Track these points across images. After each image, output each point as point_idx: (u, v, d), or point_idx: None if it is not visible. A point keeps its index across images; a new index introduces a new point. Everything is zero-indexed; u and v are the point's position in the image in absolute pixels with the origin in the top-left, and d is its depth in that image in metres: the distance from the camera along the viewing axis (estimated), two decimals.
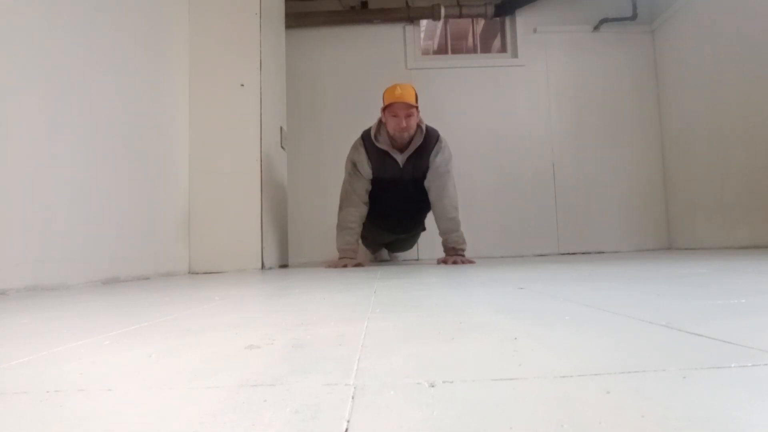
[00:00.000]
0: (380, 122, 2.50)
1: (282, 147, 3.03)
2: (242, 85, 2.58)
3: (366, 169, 2.50)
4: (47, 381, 0.39)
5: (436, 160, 2.48)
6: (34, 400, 0.34)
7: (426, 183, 2.52)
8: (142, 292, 1.31)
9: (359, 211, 2.52)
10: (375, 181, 2.53)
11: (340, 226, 2.53)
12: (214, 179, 2.54)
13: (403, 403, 0.31)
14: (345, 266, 2.40)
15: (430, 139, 2.49)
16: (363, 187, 2.52)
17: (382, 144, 2.47)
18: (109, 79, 1.87)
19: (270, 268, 2.59)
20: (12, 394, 0.36)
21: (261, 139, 2.58)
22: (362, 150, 2.51)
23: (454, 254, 2.48)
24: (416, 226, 2.89)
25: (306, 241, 3.72)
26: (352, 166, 2.54)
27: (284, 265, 2.99)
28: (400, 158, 2.48)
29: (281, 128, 3.02)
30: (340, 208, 2.57)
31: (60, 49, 1.59)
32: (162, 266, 2.20)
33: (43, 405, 0.33)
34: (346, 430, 0.27)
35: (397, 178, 2.50)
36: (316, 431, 0.27)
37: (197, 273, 2.43)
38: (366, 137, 2.54)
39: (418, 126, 2.46)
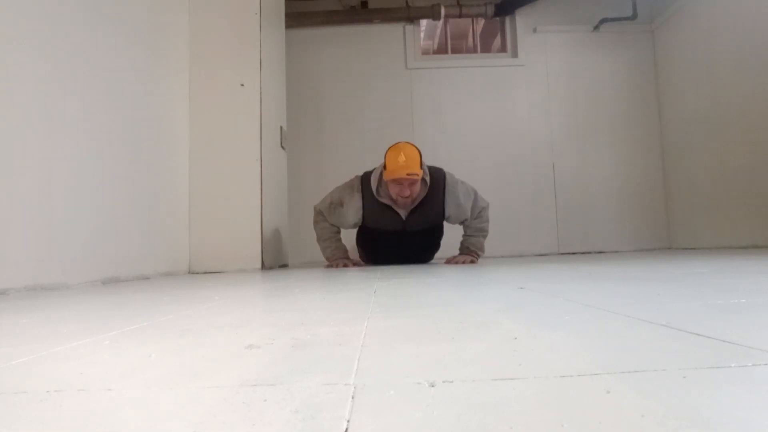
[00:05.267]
0: (382, 174, 2.27)
1: (282, 147, 3.03)
2: (242, 84, 2.58)
3: (354, 219, 2.36)
4: (47, 381, 0.39)
5: (461, 204, 2.31)
6: (34, 400, 0.34)
7: (462, 223, 2.42)
8: (142, 292, 1.31)
9: (334, 227, 2.46)
10: (372, 230, 2.42)
11: (321, 238, 2.46)
12: (214, 179, 2.54)
13: (403, 403, 0.31)
14: (345, 266, 2.40)
15: (436, 186, 2.30)
16: (340, 229, 2.45)
17: (384, 198, 2.31)
18: (109, 78, 1.87)
19: (270, 268, 2.59)
20: (12, 394, 0.36)
21: (261, 138, 2.58)
22: (358, 197, 2.33)
23: (467, 253, 2.42)
24: (428, 257, 2.70)
25: (306, 241, 3.71)
26: (338, 205, 2.36)
27: (284, 265, 2.99)
28: (403, 212, 2.32)
29: (281, 128, 3.02)
30: (315, 224, 2.49)
31: (60, 50, 1.60)
32: (162, 266, 2.20)
33: (43, 405, 0.33)
34: (346, 429, 0.27)
35: (399, 231, 2.37)
36: (316, 431, 0.27)
37: (197, 273, 2.42)
38: (366, 185, 2.33)
39: (422, 178, 2.26)
